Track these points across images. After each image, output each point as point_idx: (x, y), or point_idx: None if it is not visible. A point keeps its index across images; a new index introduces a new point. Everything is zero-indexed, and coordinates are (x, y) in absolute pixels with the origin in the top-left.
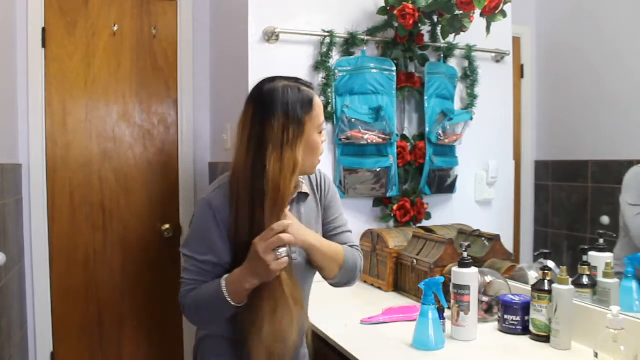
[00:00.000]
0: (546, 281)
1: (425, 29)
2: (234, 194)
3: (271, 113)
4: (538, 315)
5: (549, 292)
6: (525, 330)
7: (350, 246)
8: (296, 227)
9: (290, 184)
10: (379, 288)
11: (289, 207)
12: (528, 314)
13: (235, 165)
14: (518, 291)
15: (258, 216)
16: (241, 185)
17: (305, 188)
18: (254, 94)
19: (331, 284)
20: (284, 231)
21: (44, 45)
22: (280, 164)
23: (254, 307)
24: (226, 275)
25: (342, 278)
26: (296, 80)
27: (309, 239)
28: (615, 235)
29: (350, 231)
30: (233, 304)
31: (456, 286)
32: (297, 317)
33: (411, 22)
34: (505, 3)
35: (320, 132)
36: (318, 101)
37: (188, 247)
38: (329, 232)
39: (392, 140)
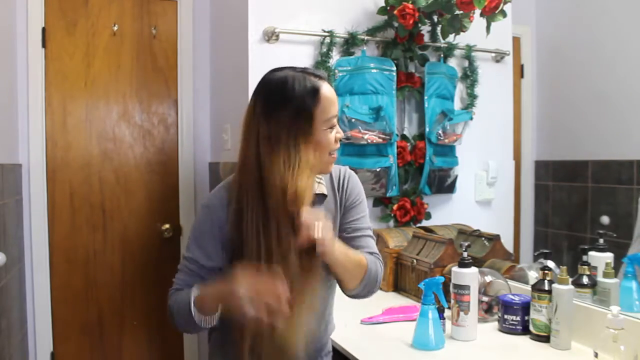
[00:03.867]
0: (546, 281)
1: (425, 29)
2: (238, 197)
3: (278, 107)
4: (538, 315)
5: (549, 292)
6: (525, 330)
7: (370, 253)
8: (328, 241)
9: (304, 185)
10: (379, 288)
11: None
12: (528, 314)
13: (241, 166)
14: (518, 291)
15: (268, 222)
16: (248, 188)
17: (322, 189)
18: (260, 87)
19: (349, 296)
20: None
21: (44, 45)
22: (289, 163)
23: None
24: (196, 292)
25: (362, 290)
26: (303, 69)
27: (336, 255)
28: (615, 235)
29: (371, 236)
30: (198, 318)
31: (456, 286)
32: (296, 319)
33: (411, 22)
34: (505, 3)
35: (331, 127)
36: (326, 92)
37: (185, 249)
38: (346, 234)
39: (392, 140)
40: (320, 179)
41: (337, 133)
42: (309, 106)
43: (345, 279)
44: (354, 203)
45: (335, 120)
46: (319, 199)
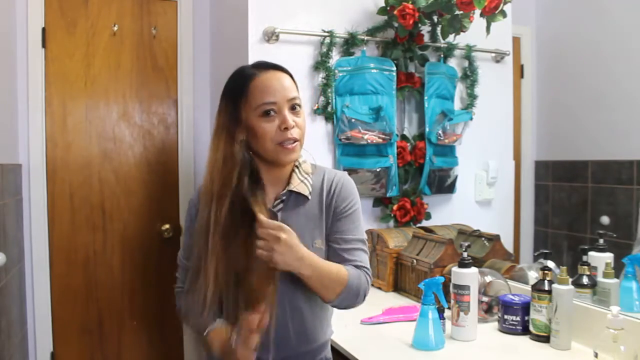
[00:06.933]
0: (546, 281)
1: (425, 29)
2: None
3: (220, 101)
4: (538, 315)
5: (549, 292)
6: (525, 330)
7: (358, 267)
8: (285, 248)
9: (227, 175)
10: (379, 288)
11: (279, 206)
12: (528, 314)
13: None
14: (518, 291)
15: (215, 214)
16: (205, 181)
17: (304, 188)
18: None
19: (332, 306)
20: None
21: (44, 45)
22: (217, 153)
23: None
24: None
25: (340, 302)
26: (257, 63)
27: (296, 267)
28: (615, 235)
29: (362, 249)
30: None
31: (456, 286)
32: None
33: (411, 22)
34: (505, 3)
35: (266, 115)
36: (259, 81)
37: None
38: (336, 245)
39: (392, 140)
40: (306, 178)
41: (282, 123)
42: (235, 95)
43: (318, 291)
44: (344, 212)
45: (275, 108)
46: (302, 199)
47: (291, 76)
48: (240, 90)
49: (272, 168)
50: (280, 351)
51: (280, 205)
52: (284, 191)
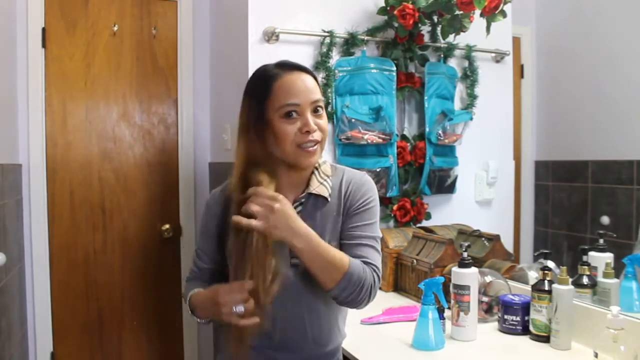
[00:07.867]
0: (546, 281)
1: (425, 29)
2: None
3: (242, 100)
4: (538, 315)
5: (549, 292)
6: (525, 330)
7: (365, 263)
8: (279, 217)
9: (256, 176)
10: (379, 288)
11: (298, 209)
12: (528, 314)
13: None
14: (518, 291)
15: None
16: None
17: (323, 190)
18: None
19: (333, 298)
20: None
21: (44, 45)
22: (240, 152)
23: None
24: (191, 296)
25: (340, 293)
26: (279, 63)
27: (289, 236)
28: (615, 235)
29: (373, 247)
30: (198, 320)
31: (456, 286)
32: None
33: (411, 22)
34: (505, 3)
35: (288, 117)
36: (283, 82)
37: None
38: (345, 241)
39: (392, 140)
40: (325, 179)
41: (304, 125)
42: (260, 94)
43: (318, 275)
44: (357, 209)
45: (298, 110)
46: (321, 201)
47: (314, 77)
48: (265, 90)
49: (291, 170)
50: (296, 353)
51: (299, 208)
52: (303, 194)
